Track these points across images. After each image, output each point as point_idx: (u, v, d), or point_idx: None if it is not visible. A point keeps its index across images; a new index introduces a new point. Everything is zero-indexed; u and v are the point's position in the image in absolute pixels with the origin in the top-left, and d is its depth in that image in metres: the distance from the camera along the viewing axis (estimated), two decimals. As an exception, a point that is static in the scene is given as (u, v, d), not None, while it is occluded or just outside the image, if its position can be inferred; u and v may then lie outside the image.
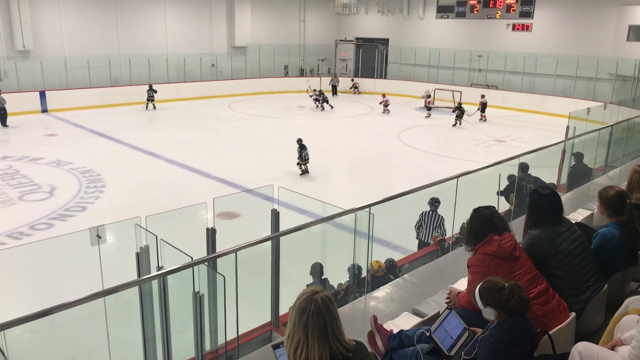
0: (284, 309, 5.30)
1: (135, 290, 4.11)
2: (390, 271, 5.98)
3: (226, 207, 9.05)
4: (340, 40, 30.51)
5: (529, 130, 18.83)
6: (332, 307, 1.95)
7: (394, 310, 4.02)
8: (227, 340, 3.91)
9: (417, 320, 3.44)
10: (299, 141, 12.73)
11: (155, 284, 4.02)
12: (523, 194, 7.23)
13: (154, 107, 21.04)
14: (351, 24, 30.57)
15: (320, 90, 22.63)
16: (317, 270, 6.07)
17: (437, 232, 7.40)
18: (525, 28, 23.81)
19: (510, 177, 7.52)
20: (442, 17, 25.53)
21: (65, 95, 20.40)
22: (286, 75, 28.79)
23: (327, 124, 19.37)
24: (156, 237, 4.03)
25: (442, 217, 7.46)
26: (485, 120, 20.51)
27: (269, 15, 28.36)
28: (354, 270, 5.86)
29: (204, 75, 25.52)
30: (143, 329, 4.14)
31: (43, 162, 13.03)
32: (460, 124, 19.20)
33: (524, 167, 7.56)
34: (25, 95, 19.97)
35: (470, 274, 3.10)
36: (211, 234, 4.77)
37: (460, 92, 22.73)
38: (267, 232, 5.08)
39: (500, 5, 23.58)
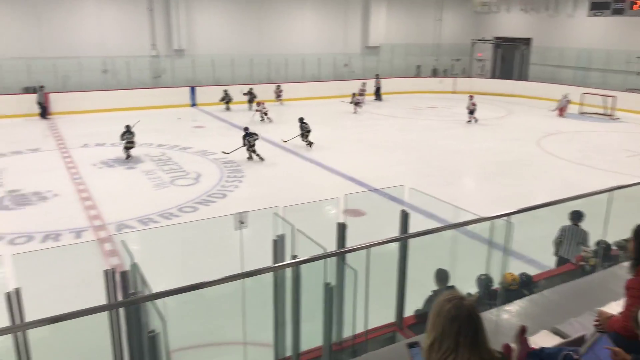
0: (407, 311, 5.25)
1: (269, 276, 4.36)
2: (524, 286, 5.62)
3: (353, 204, 9.19)
4: (477, 40, 29.27)
5: (699, 142, 16.41)
6: (480, 314, 1.89)
7: (530, 327, 3.78)
8: (354, 334, 3.97)
9: (558, 340, 3.20)
10: (127, 127, 13.55)
11: (288, 271, 4.22)
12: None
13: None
14: (490, 23, 29.14)
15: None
16: (443, 276, 5.90)
17: (581, 249, 6.77)
18: (701, 25, 20.74)
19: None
20: (595, 15, 23.20)
21: (212, 91, 22.23)
22: (418, 75, 28.39)
23: (458, 126, 18.73)
24: (292, 226, 4.22)
25: (586, 232, 6.82)
26: (475, 121, 18.82)
27: (404, 15, 28.17)
28: (485, 281, 5.60)
29: (337, 74, 26.16)
30: (275, 314, 4.36)
31: (191, 151, 14.36)
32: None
33: (693, 185, 6.60)
34: (178, 90, 22.19)
35: (630, 297, 2.80)
36: (341, 228, 4.86)
37: (613, 98, 20.54)
38: (392, 233, 5.05)
39: (669, 0, 20.78)
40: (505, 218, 4.38)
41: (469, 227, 4.92)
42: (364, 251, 3.99)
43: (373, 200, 10.62)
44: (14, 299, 3.30)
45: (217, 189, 11.08)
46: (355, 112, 20.80)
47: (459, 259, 6.25)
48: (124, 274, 3.66)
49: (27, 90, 19.83)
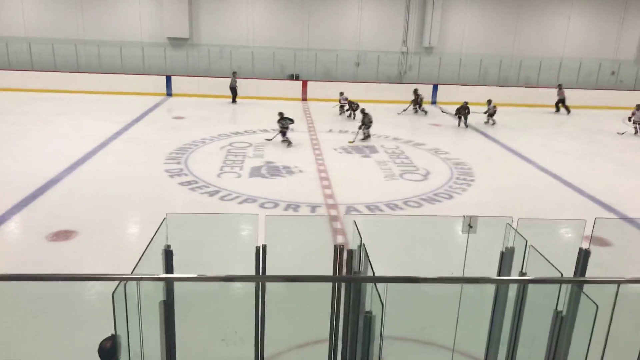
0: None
1: (492, 288, 4.11)
2: None
3: (599, 231, 8.03)
4: None
5: None
6: None
7: None
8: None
9: None
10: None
11: (513, 287, 3.92)
12: None
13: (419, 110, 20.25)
14: None
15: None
16: None
17: None
18: None
19: None
20: None
21: (454, 90, 21.94)
22: None
23: None
24: (526, 241, 3.89)
25: None
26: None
27: None
28: None
29: (600, 82, 23.11)
30: (490, 328, 4.11)
31: (424, 148, 14.47)
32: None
33: None
34: (421, 87, 22.50)
35: None
36: (584, 255, 4.29)
37: None
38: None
39: None
40: None
41: None
42: (607, 286, 3.45)
43: (625, 230, 9.11)
44: (261, 253, 3.82)
45: (445, 189, 10.93)
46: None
47: None
48: (350, 253, 3.88)
49: (291, 77, 22.70)
